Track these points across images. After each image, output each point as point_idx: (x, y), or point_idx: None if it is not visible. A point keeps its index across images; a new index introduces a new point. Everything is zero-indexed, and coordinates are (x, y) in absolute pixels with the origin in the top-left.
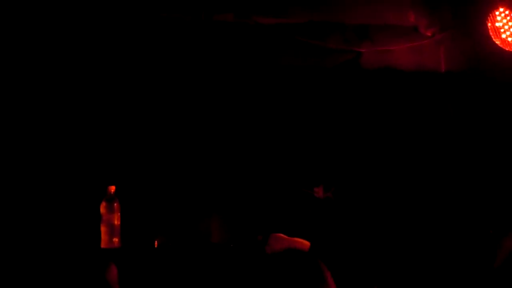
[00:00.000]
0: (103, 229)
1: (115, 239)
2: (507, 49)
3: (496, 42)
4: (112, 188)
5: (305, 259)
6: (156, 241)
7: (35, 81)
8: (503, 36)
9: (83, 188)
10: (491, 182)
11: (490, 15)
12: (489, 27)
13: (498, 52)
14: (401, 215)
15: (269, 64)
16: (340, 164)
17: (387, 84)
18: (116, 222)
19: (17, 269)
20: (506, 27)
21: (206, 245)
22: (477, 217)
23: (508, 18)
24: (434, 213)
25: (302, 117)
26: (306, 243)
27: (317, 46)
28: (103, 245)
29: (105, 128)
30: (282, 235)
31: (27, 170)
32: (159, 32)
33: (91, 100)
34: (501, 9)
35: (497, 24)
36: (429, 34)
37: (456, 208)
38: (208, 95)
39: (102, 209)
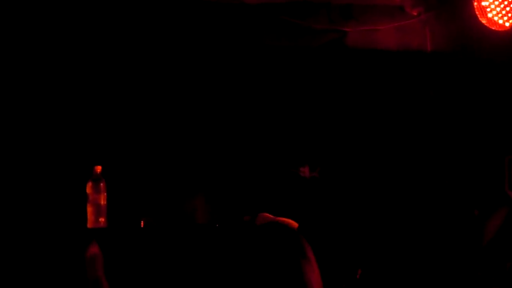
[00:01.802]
0: (89, 209)
1: (102, 219)
2: (493, 28)
3: (482, 22)
4: (98, 168)
5: (287, 234)
6: (142, 221)
7: (21, 60)
8: (489, 15)
9: (69, 168)
10: (475, 161)
11: None
12: (475, 6)
13: (484, 31)
14: (386, 194)
15: (253, 44)
16: (326, 143)
17: (372, 63)
18: (103, 202)
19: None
20: (493, 6)
21: (192, 225)
22: (462, 199)
23: None
24: (418, 193)
25: (287, 97)
26: (293, 224)
27: (302, 25)
28: (89, 225)
29: (91, 108)
30: (269, 215)
31: (13, 151)
32: (144, 11)
33: (76, 80)
34: None
35: (483, 3)
36: (415, 13)
37: (440, 189)
38: (193, 75)
39: (88, 189)
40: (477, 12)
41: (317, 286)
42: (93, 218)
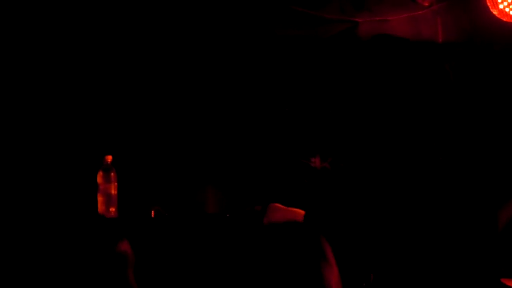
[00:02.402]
0: (99, 198)
1: (112, 209)
2: (504, 19)
3: (494, 13)
4: (109, 158)
5: (305, 234)
6: (152, 211)
7: (33, 50)
8: (501, 6)
9: (80, 157)
10: (488, 149)
11: None
12: None
13: (495, 22)
14: (399, 185)
15: (264, 34)
16: (337, 134)
17: (383, 54)
18: (113, 191)
19: (14, 237)
20: None
21: (202, 215)
22: (474, 186)
23: None
24: (431, 182)
25: (298, 88)
26: (303, 213)
27: (313, 16)
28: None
29: (103, 98)
30: (280, 205)
31: (25, 141)
32: (148, 2)
33: (87, 68)
34: None
35: None
36: (426, 4)
37: (453, 177)
38: (203, 65)
39: (99, 179)
40: (488, 3)
41: None
42: (104, 208)
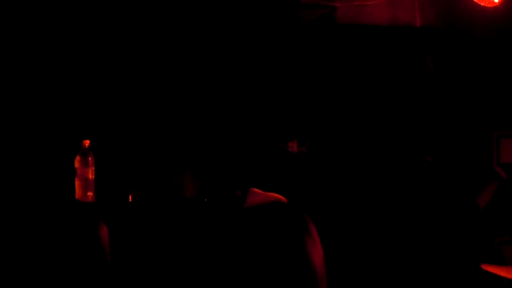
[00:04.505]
0: (77, 183)
1: (90, 193)
2: (482, 4)
3: None
4: (87, 142)
5: (288, 210)
6: (130, 195)
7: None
8: None
9: (57, 142)
10: (464, 137)
11: None
12: None
13: (474, 8)
14: (377, 169)
15: (241, 18)
16: (314, 118)
17: (361, 38)
18: (91, 176)
19: None
20: None
21: (180, 200)
22: (454, 175)
23: None
24: (412, 166)
25: (276, 72)
26: (283, 199)
27: (290, 0)
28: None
29: (80, 82)
30: (259, 190)
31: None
32: None
33: (64, 53)
34: None
35: None
36: None
37: (434, 163)
38: (181, 51)
39: (77, 163)
40: None
41: (320, 267)
42: (81, 192)
